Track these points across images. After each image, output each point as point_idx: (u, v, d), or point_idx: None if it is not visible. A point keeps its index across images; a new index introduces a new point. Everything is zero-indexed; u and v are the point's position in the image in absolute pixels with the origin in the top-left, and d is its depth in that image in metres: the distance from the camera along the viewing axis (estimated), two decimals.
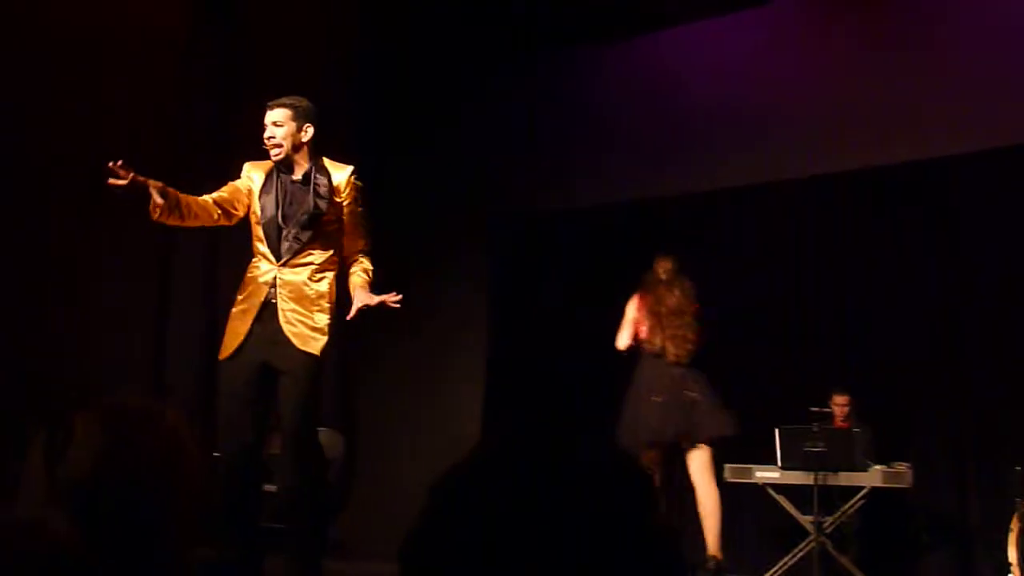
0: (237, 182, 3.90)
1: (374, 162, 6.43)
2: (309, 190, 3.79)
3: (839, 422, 5.95)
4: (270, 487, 4.00)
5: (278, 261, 3.76)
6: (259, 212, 3.82)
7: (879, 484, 5.29)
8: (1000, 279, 6.01)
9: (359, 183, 3.90)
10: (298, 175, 3.83)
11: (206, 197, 3.81)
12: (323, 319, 3.74)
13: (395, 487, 5.98)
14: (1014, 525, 4.70)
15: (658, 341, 5.15)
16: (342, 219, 3.87)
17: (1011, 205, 5.96)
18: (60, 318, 5.35)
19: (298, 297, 3.73)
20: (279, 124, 3.80)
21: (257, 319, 3.73)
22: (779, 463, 5.39)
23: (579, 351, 6.71)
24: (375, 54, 7.52)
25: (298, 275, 3.75)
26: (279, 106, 3.83)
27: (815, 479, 5.19)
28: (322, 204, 3.78)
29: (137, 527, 1.35)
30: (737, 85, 6.76)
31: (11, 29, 5.29)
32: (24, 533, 1.14)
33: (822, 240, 6.71)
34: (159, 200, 3.54)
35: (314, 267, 3.78)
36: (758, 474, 5.46)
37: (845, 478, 5.30)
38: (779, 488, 5.46)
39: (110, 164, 3.45)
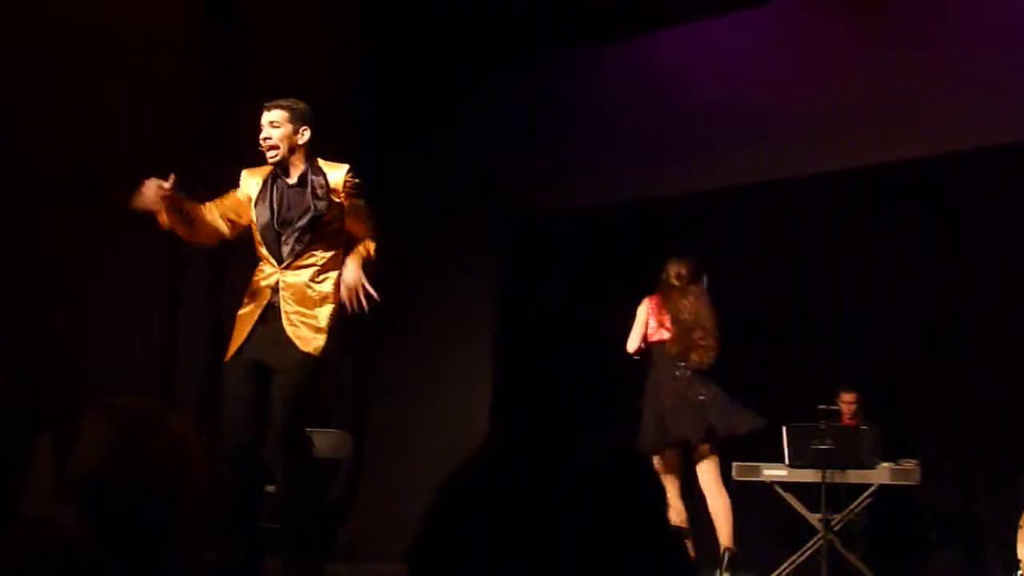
0: (236, 192, 3.90)
1: (374, 162, 6.41)
2: (306, 193, 3.78)
3: (847, 419, 5.95)
4: (271, 488, 3.97)
5: (280, 264, 3.76)
6: (256, 219, 3.82)
7: (887, 481, 5.29)
8: (999, 277, 6.03)
9: (356, 179, 3.89)
10: (294, 178, 3.82)
11: (212, 208, 3.83)
12: (326, 319, 3.74)
13: (401, 488, 5.95)
14: (1023, 522, 4.70)
15: (678, 348, 5.14)
16: (342, 218, 3.86)
17: (1010, 203, 5.97)
18: (60, 318, 5.33)
19: (301, 299, 3.73)
20: (276, 125, 3.79)
21: (260, 320, 3.75)
22: (787, 461, 5.39)
23: (579, 351, 6.70)
24: (375, 54, 7.49)
25: (300, 277, 3.75)
26: (276, 107, 3.83)
27: (823, 477, 5.19)
28: (321, 205, 3.77)
29: (144, 527, 1.35)
30: (737, 85, 6.75)
31: (11, 29, 5.26)
32: (34, 529, 1.13)
33: (822, 239, 6.72)
34: (165, 220, 3.67)
35: (316, 268, 3.78)
36: (766, 472, 5.45)
37: (853, 475, 5.30)
38: (787, 486, 5.46)
39: (170, 178, 3.59)
